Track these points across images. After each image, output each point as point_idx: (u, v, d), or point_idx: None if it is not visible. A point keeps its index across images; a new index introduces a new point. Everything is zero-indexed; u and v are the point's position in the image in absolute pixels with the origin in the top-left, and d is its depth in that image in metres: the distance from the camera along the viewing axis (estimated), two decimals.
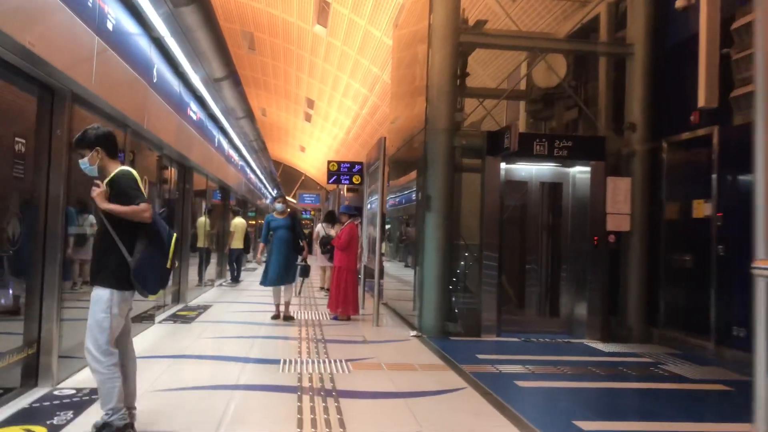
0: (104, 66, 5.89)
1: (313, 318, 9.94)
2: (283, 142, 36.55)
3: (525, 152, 8.56)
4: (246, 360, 6.66)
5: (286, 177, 41.95)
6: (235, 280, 14.92)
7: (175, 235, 4.03)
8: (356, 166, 16.13)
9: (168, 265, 3.94)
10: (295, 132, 33.28)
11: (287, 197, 50.38)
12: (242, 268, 16.30)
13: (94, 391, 4.75)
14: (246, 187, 19.98)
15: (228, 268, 15.27)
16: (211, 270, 14.46)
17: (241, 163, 17.80)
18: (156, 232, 3.91)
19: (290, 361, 6.63)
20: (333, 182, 16.16)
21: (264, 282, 9.39)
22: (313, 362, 6.64)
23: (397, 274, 11.93)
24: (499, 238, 8.80)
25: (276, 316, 9.52)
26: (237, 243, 14.90)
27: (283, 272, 9.29)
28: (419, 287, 8.80)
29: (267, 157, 21.50)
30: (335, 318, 9.84)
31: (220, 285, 14.72)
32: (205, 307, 10.65)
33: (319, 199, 32.43)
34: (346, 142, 28.42)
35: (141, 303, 8.23)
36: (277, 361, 6.61)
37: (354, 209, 10.28)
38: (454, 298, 8.92)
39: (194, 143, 10.73)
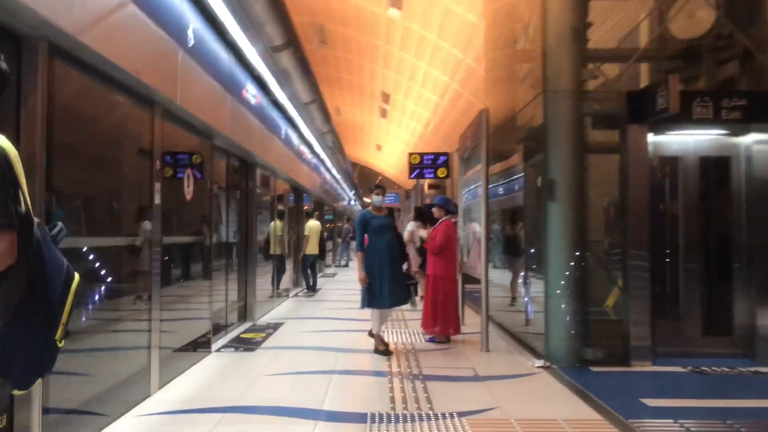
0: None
1: (404, 339, 7.85)
2: (359, 142, 34.78)
3: (680, 117, 6.16)
4: (317, 415, 4.62)
5: (363, 177, 40.23)
6: (312, 289, 13.01)
7: (76, 280, 1.95)
8: (441, 157, 13.98)
9: (58, 336, 1.88)
10: (370, 130, 31.41)
11: (370, 195, 48.12)
12: (318, 274, 14.42)
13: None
14: (321, 188, 18.12)
15: (303, 276, 13.39)
16: (286, 279, 12.62)
17: (314, 161, 15.93)
18: (33, 285, 1.85)
19: (379, 418, 4.55)
20: (415, 176, 14.04)
21: (372, 303, 6.88)
22: (412, 419, 4.53)
23: (499, 280, 9.69)
24: (650, 233, 6.44)
25: (386, 350, 6.93)
26: (312, 248, 13.00)
27: (398, 289, 6.96)
28: (545, 302, 6.53)
29: (342, 155, 19.59)
30: (431, 339, 7.72)
31: (296, 295, 12.86)
32: (276, 326, 8.74)
33: (399, 199, 30.42)
34: (424, 136, 26.26)
35: (195, 325, 6.39)
36: (361, 418, 4.54)
37: (451, 203, 8.14)
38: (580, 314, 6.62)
39: (257, 135, 8.87)
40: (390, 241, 6.93)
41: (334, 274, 19.22)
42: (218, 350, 7.08)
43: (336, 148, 16.33)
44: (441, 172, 13.98)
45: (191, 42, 5.75)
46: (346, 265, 23.50)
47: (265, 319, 9.45)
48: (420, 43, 18.57)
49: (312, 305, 11.24)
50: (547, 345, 6.47)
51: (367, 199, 48.67)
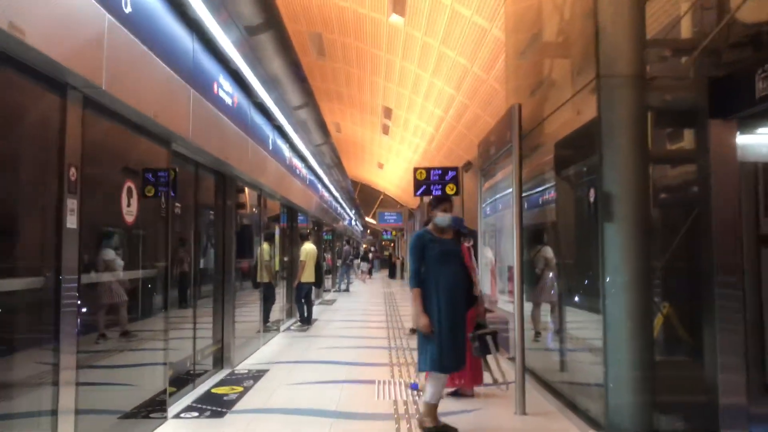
0: None
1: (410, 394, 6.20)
2: (359, 159, 33.23)
3: None
4: None
5: (364, 196, 38.64)
6: (306, 321, 11.31)
7: None
8: (449, 173, 12.40)
9: None
10: (372, 147, 29.85)
11: (367, 218, 45.82)
12: (315, 302, 12.75)
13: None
14: (319, 207, 16.50)
15: (297, 306, 11.68)
16: (277, 309, 10.96)
17: (310, 177, 14.33)
18: None
19: None
20: (421, 194, 12.44)
21: (433, 366, 4.72)
22: None
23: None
24: (741, 255, 4.81)
25: (443, 429, 4.85)
26: (308, 276, 11.31)
27: (463, 342, 4.86)
28: (604, 351, 4.87)
29: (342, 172, 17.99)
30: (455, 393, 6.07)
31: (288, 328, 11.17)
32: (258, 375, 7.07)
33: (402, 218, 28.77)
34: (428, 153, 24.71)
35: (142, 383, 4.74)
36: None
37: (465, 225, 6.47)
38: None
39: (234, 143, 7.29)
40: (457, 275, 4.86)
41: (332, 301, 17.53)
42: (178, 415, 5.41)
43: (334, 164, 14.75)
44: (449, 189, 12.40)
45: (127, 7, 4.17)
46: (347, 290, 21.81)
47: (246, 365, 7.77)
48: (423, 52, 17.08)
49: (306, 343, 9.55)
50: (607, 409, 4.80)
51: (370, 219, 46.95)
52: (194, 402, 5.86)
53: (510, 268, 5.75)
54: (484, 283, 6.96)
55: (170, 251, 5.39)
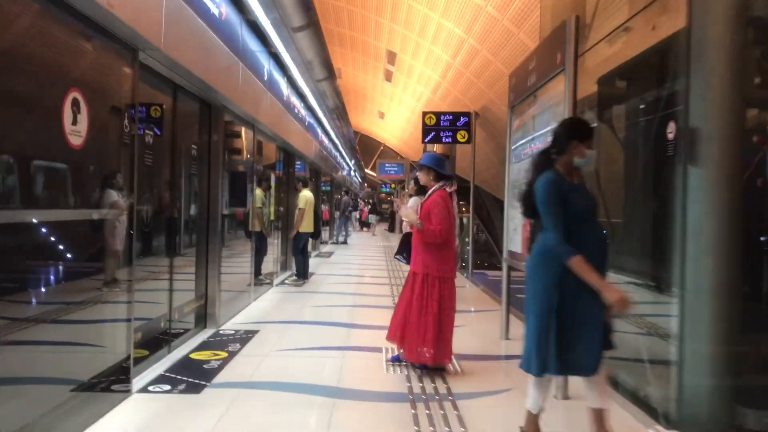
0: None
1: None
2: (360, 108, 31.78)
3: None
4: None
5: (363, 147, 37.30)
6: (302, 275, 10.26)
7: None
8: (462, 118, 11.29)
9: None
10: (373, 95, 28.40)
11: (367, 169, 43.72)
12: (311, 255, 11.72)
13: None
14: (318, 153, 15.30)
15: (294, 258, 10.59)
16: (270, 261, 9.92)
17: (310, 119, 13.10)
18: None
19: None
20: (430, 140, 11.39)
21: (554, 362, 3.22)
22: None
23: None
24: None
25: None
26: (306, 225, 10.25)
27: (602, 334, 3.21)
28: (679, 336, 3.84)
29: (344, 116, 16.71)
30: (422, 367, 5.02)
31: (283, 282, 10.14)
32: (246, 337, 6.05)
33: (403, 170, 27.55)
34: (432, 102, 23.36)
35: (96, 351, 3.69)
36: None
37: (443, 162, 5.24)
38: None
39: (222, 66, 6.09)
40: (603, 239, 3.37)
41: (330, 254, 16.51)
42: (145, 388, 4.39)
43: (336, 107, 13.49)
44: (461, 136, 11.31)
45: None
46: (345, 242, 20.80)
47: (233, 324, 6.75)
48: None
49: (301, 299, 8.52)
50: (679, 402, 3.79)
51: (369, 171, 45.34)
52: (168, 371, 4.84)
53: None
54: (515, 243, 5.88)
55: (135, 186, 4.28)
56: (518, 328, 6.47)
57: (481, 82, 18.03)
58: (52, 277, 3.51)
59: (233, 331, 6.32)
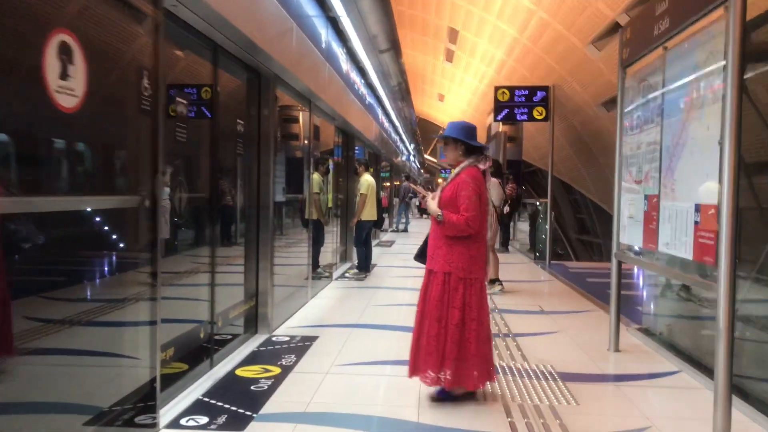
0: None
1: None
2: (419, 91, 30.49)
3: None
4: None
5: (422, 130, 36.06)
6: (364, 267, 9.26)
7: None
8: (539, 93, 10.03)
9: None
10: (433, 77, 27.10)
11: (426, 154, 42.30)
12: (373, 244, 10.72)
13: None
14: (379, 136, 14.25)
15: (356, 249, 9.56)
16: (328, 253, 8.96)
17: (370, 99, 12.05)
18: None
19: None
20: (503, 118, 10.18)
21: None
22: None
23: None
24: None
25: None
26: (369, 213, 9.16)
27: None
28: None
29: (406, 95, 15.58)
30: (442, 394, 3.87)
31: (343, 275, 9.16)
32: (302, 347, 5.06)
33: None
34: (496, 82, 21.95)
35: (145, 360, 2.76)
36: None
37: (472, 132, 4.02)
38: None
39: (273, 28, 5.08)
40: None
41: (391, 243, 15.49)
42: (175, 422, 3.45)
43: (398, 83, 12.38)
44: (538, 113, 10.06)
45: None
46: (405, 230, 19.75)
47: (289, 327, 5.78)
48: None
49: (364, 296, 7.48)
50: None
51: (428, 156, 43.94)
52: (207, 394, 3.89)
53: (703, 210, 3.46)
54: (634, 235, 4.67)
55: (163, 166, 3.31)
56: (628, 337, 5.28)
57: (551, 58, 16.53)
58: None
59: (288, 338, 5.35)
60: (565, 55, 15.79)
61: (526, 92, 10.28)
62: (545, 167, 25.43)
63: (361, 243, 9.12)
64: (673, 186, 3.93)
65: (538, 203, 12.89)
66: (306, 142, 7.16)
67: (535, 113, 10.26)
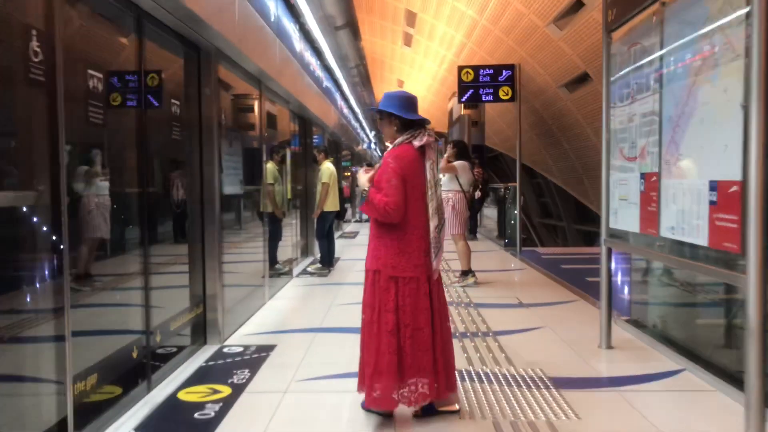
0: None
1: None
2: (378, 78, 29.77)
3: None
4: None
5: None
6: (327, 262, 8.60)
7: None
8: (504, 72, 9.49)
9: None
10: (392, 63, 26.41)
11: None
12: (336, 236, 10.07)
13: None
14: (337, 123, 13.55)
15: (319, 243, 8.86)
16: (287, 248, 8.28)
17: (327, 83, 11.34)
18: None
19: None
20: (468, 99, 9.62)
21: None
22: None
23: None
24: None
25: None
26: (332, 203, 8.43)
27: None
28: None
29: (365, 77, 14.93)
30: (429, 410, 3.24)
31: (305, 271, 8.48)
32: (257, 359, 4.38)
33: None
34: (455, 66, 21.44)
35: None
36: None
37: (408, 103, 3.28)
38: None
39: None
40: None
41: (354, 234, 14.82)
42: None
43: (357, 66, 11.71)
44: (504, 93, 9.52)
45: None
46: (369, 220, 19.11)
47: (243, 335, 5.10)
48: None
49: (327, 294, 6.81)
50: None
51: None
52: (141, 427, 3.21)
53: (721, 187, 2.92)
54: (628, 219, 4.13)
55: (62, 148, 2.61)
56: (618, 331, 4.77)
57: (511, 39, 16.06)
58: None
59: (242, 348, 4.68)
60: (525, 35, 15.30)
61: (491, 72, 9.72)
62: (507, 152, 25.15)
63: (324, 235, 8.44)
64: (678, 161, 3.39)
65: (503, 187, 12.41)
66: (259, 128, 6.45)
67: (500, 93, 9.72)
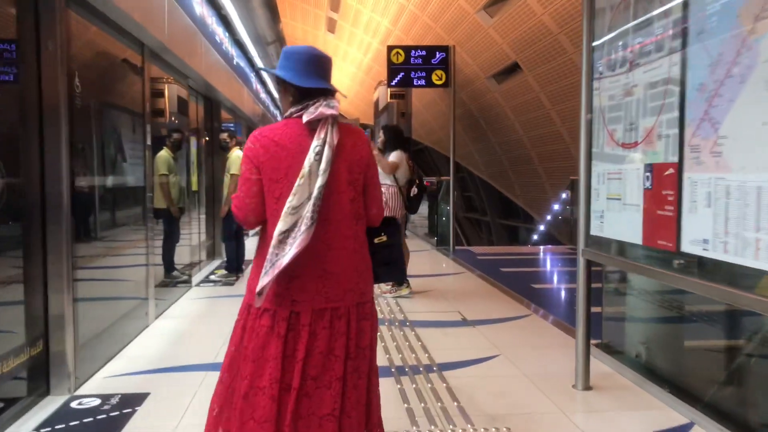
0: None
1: None
2: None
3: None
4: None
5: None
6: (236, 267, 7.15)
7: None
8: (437, 54, 8.44)
9: None
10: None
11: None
12: (247, 237, 8.72)
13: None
14: (253, 107, 12.08)
15: (225, 245, 7.42)
16: (184, 251, 6.84)
17: (239, 60, 9.89)
18: None
19: None
20: (398, 83, 8.50)
21: None
22: None
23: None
24: None
25: None
26: None
27: None
28: None
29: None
30: None
31: (208, 279, 7.05)
32: (118, 419, 3.02)
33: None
34: (381, 55, 20.25)
35: None
36: None
37: (316, 67, 2.04)
38: None
39: None
40: None
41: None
42: None
43: (274, 41, 10.34)
44: (437, 77, 8.46)
45: None
46: None
47: (105, 378, 3.69)
48: None
49: (230, 310, 5.41)
50: None
51: None
52: None
53: None
54: (622, 225, 3.07)
55: None
56: (593, 361, 3.73)
57: (440, 26, 15.10)
58: None
59: (99, 401, 3.30)
60: (454, 22, 14.37)
61: (424, 53, 8.61)
62: (432, 145, 24.27)
63: (232, 236, 7.04)
64: (717, 147, 2.33)
65: (436, 181, 11.42)
66: (142, 106, 5.01)
67: (433, 77, 8.63)
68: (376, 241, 2.28)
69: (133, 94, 4.93)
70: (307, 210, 1.88)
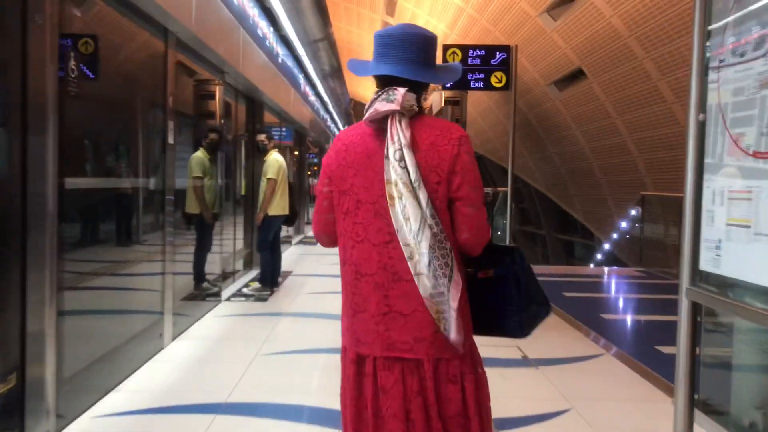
0: None
1: None
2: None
3: None
4: None
5: (356, 115, 33.43)
6: (270, 281, 6.47)
7: None
8: (498, 54, 7.69)
9: None
10: (369, 54, 24.53)
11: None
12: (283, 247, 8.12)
13: None
14: (299, 110, 11.55)
15: (261, 256, 6.78)
16: (215, 259, 6.25)
17: (287, 60, 9.36)
18: None
19: None
20: (453, 86, 7.89)
21: None
22: None
23: None
24: None
25: None
26: (278, 205, 6.31)
27: None
28: None
29: (337, 72, 13.13)
30: None
31: (240, 292, 6.47)
32: None
33: None
34: (437, 60, 19.56)
35: None
36: None
37: (395, 48, 1.64)
38: None
39: None
40: None
41: (313, 242, 12.83)
42: None
43: (320, 42, 9.79)
44: (496, 79, 7.71)
45: None
46: None
47: (98, 416, 3.09)
48: None
49: (258, 332, 4.81)
50: None
51: None
52: None
53: None
54: (748, 261, 2.28)
55: None
56: (694, 428, 2.89)
57: (499, 30, 14.30)
58: None
59: None
60: (515, 26, 13.58)
61: (483, 53, 7.86)
62: (487, 154, 23.35)
63: (268, 247, 6.42)
64: None
65: (492, 192, 10.65)
66: (163, 95, 4.45)
67: (492, 80, 7.85)
68: (480, 276, 1.68)
69: (150, 86, 4.37)
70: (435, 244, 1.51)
